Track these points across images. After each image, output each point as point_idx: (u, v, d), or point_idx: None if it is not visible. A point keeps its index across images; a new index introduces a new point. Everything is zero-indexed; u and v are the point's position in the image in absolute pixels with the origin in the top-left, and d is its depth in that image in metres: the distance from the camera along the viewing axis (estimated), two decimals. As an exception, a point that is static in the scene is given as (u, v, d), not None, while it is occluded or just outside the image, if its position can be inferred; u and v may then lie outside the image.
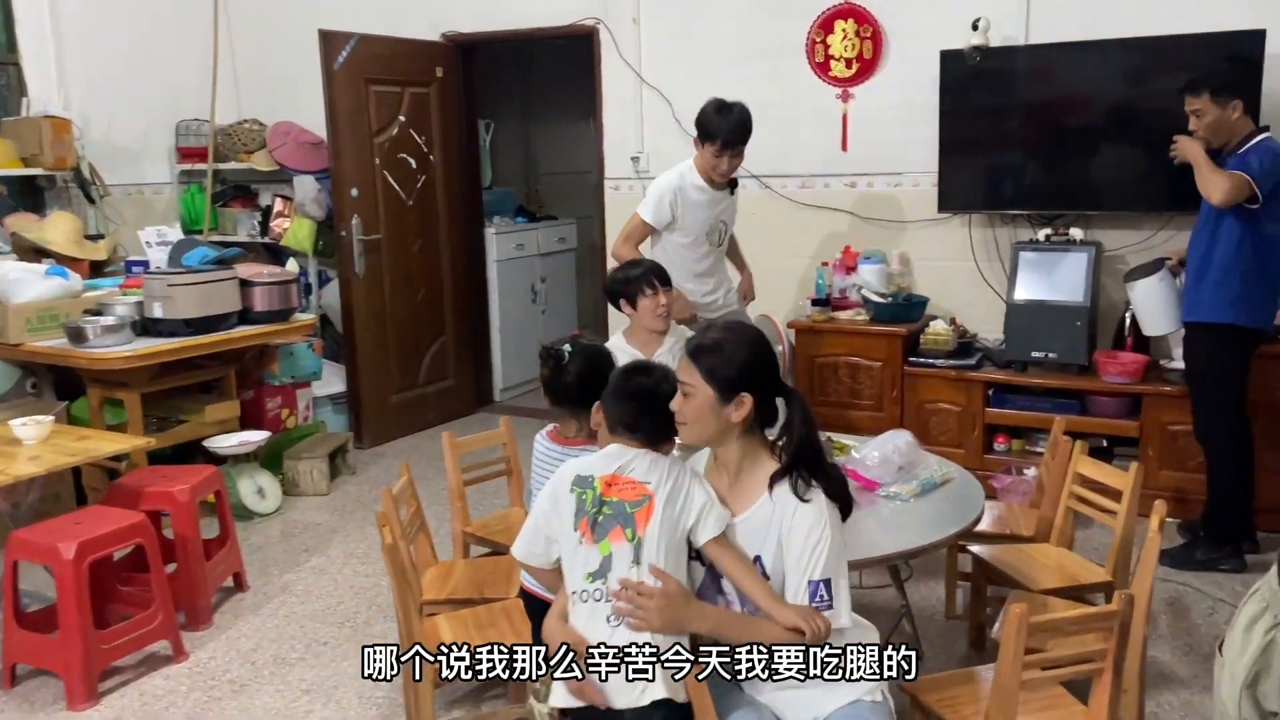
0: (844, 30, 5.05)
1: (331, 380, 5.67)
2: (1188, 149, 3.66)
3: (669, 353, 3.60)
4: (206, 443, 4.56)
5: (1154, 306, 4.05)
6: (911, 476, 2.90)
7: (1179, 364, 4.35)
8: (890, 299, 4.85)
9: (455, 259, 6.31)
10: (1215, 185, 3.51)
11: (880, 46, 5.01)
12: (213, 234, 6.29)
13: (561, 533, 2.02)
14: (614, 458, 2.03)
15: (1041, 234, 4.56)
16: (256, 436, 4.66)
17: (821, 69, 5.15)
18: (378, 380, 5.83)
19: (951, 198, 4.77)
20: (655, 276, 3.55)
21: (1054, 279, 4.44)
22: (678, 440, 2.08)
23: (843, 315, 4.93)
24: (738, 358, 1.98)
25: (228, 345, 4.54)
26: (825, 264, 5.14)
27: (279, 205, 6.23)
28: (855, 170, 5.15)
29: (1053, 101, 4.55)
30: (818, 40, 5.12)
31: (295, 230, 6.04)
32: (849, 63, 5.08)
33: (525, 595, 2.59)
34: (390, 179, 5.83)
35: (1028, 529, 3.35)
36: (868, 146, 5.10)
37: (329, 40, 5.43)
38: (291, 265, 5.32)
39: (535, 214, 7.33)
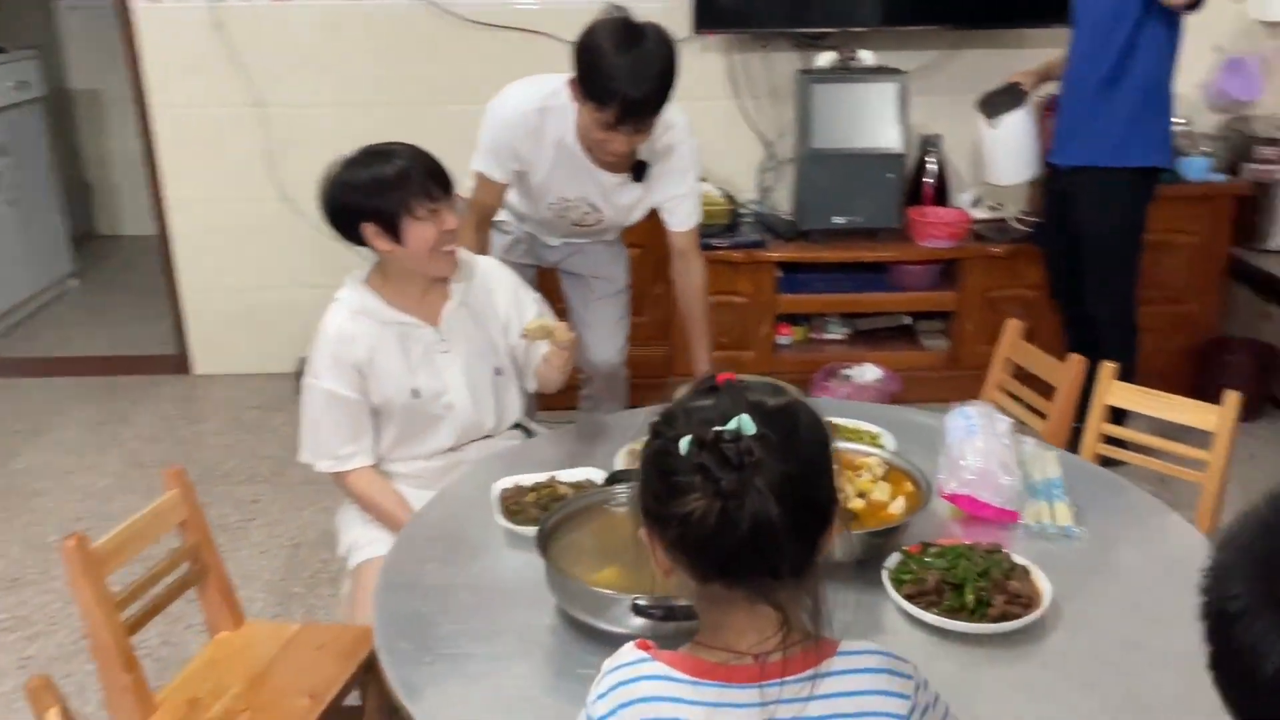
0: None
1: None
2: None
3: (460, 310, 2.01)
4: None
5: (1016, 147, 3.19)
6: (1030, 480, 1.74)
7: (982, 214, 3.66)
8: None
9: None
10: None
11: None
12: None
13: None
14: None
15: (823, 59, 3.48)
16: None
17: None
18: None
19: (714, 11, 3.45)
20: (431, 176, 1.89)
21: (855, 119, 3.41)
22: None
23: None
24: None
25: None
26: (528, 111, 3.60)
27: None
28: (552, -28, 3.61)
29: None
30: None
31: None
32: None
33: None
34: None
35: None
36: (567, -64, 3.57)
37: None
38: None
39: (-36, 45, 4.60)
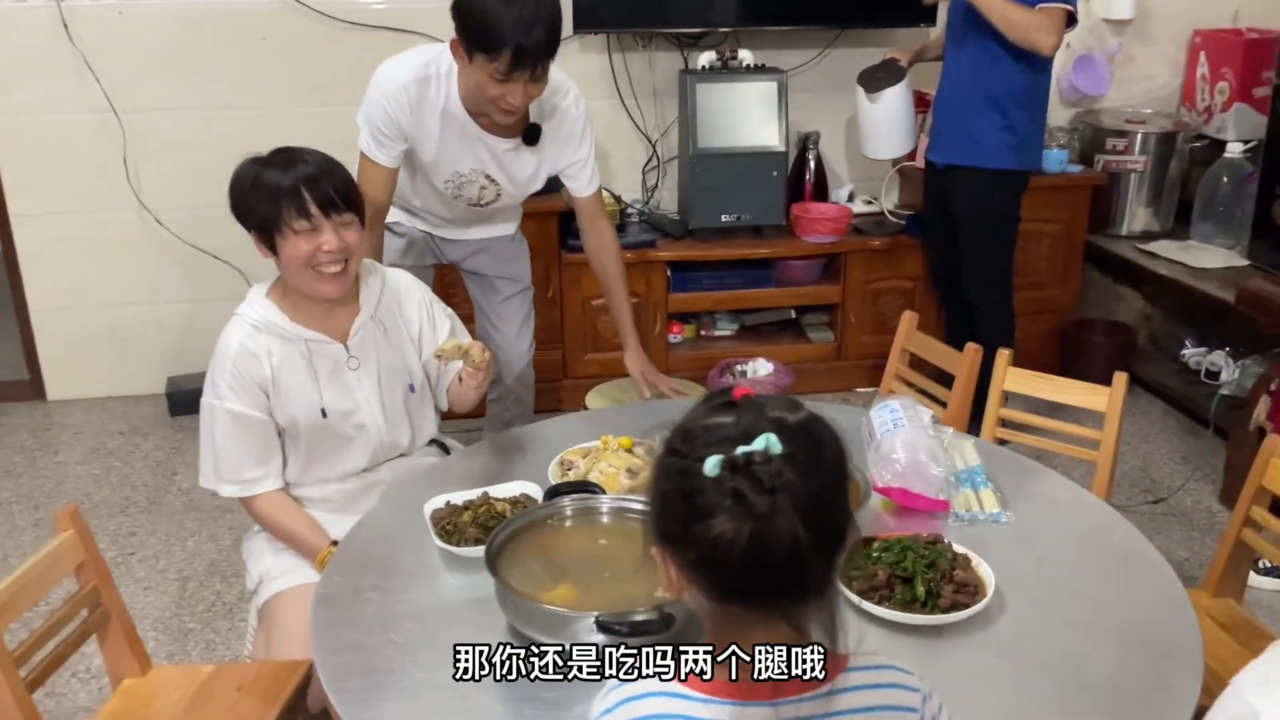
0: None
1: None
2: None
3: (370, 325, 1.93)
4: None
5: (895, 122, 3.27)
6: (953, 469, 1.79)
7: (859, 208, 3.76)
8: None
9: None
10: (1036, 36, 2.77)
11: None
12: None
13: None
14: None
15: (704, 58, 3.51)
16: None
17: None
18: None
19: (593, 11, 3.43)
20: (317, 192, 1.79)
21: (739, 118, 3.45)
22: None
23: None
24: None
25: None
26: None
27: None
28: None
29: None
30: None
31: None
32: None
33: None
34: None
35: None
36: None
37: None
38: None
39: None
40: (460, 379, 1.99)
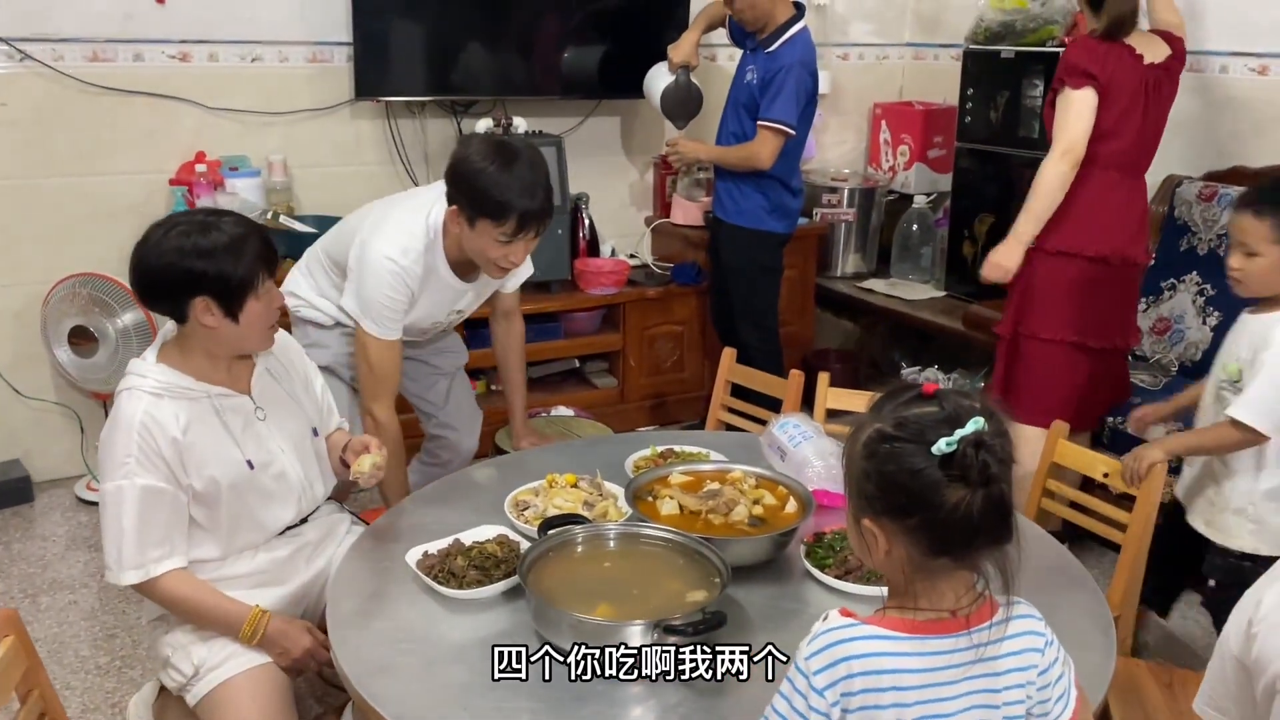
0: None
1: None
2: (694, 152, 3.47)
3: (265, 376, 1.95)
4: None
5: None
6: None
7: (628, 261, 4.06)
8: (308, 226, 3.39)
9: None
10: (757, 160, 3.28)
11: None
12: None
13: None
14: None
15: (481, 126, 3.65)
16: None
17: None
18: None
19: (375, 78, 3.46)
20: (269, 250, 1.83)
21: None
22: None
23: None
24: None
25: None
26: (177, 182, 3.30)
27: None
28: (186, 34, 3.35)
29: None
30: None
31: None
32: None
33: None
34: None
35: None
36: (203, -3, 3.37)
37: None
38: None
39: None
40: (357, 481, 1.98)
